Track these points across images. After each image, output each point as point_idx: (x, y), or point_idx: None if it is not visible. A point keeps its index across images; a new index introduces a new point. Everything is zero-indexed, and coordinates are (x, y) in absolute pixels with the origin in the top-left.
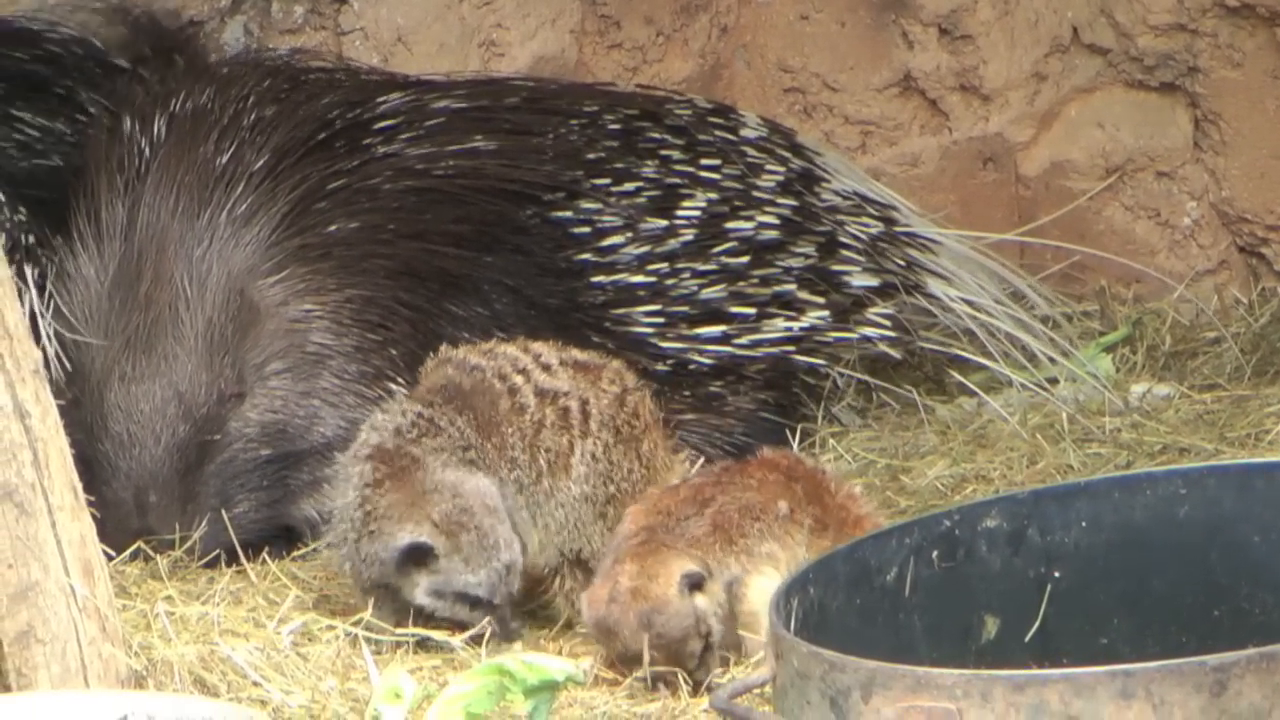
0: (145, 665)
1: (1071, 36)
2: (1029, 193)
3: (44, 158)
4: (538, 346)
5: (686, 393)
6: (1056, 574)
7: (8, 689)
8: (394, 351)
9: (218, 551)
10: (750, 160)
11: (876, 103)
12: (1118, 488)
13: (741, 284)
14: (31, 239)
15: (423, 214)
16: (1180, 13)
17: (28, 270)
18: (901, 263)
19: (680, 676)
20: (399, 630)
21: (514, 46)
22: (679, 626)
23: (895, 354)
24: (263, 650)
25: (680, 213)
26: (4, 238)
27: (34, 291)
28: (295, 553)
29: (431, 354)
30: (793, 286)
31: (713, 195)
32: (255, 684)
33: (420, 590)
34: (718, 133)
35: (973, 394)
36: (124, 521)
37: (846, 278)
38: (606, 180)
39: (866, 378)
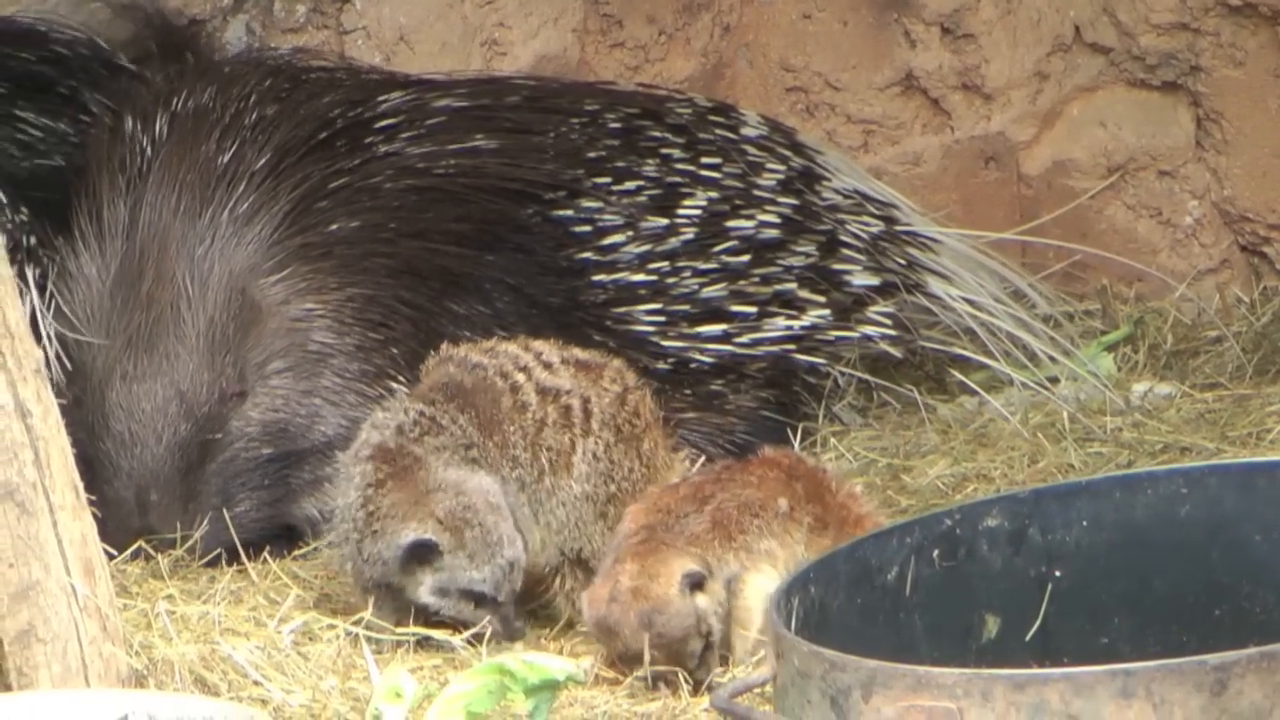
0: (146, 664)
1: (1074, 35)
2: (1031, 192)
3: (46, 158)
4: (539, 345)
5: (687, 391)
6: (1057, 573)
7: (8, 688)
8: (395, 350)
9: (219, 550)
10: (751, 159)
11: (879, 102)
12: (1119, 487)
13: (742, 283)
14: (33, 240)
15: (424, 213)
16: (1182, 12)
17: (29, 271)
18: (902, 261)
19: (680, 676)
20: (400, 629)
21: (516, 45)
22: (680, 626)
23: (896, 353)
24: (263, 649)
25: (681, 211)
26: (5, 238)
27: (35, 292)
28: (296, 552)
29: (433, 352)
30: (793, 285)
31: (713, 194)
32: (256, 683)
33: (425, 589)
34: (718, 131)
35: (974, 393)
36: (125, 520)
37: (847, 276)
38: (607, 179)
39: (867, 377)
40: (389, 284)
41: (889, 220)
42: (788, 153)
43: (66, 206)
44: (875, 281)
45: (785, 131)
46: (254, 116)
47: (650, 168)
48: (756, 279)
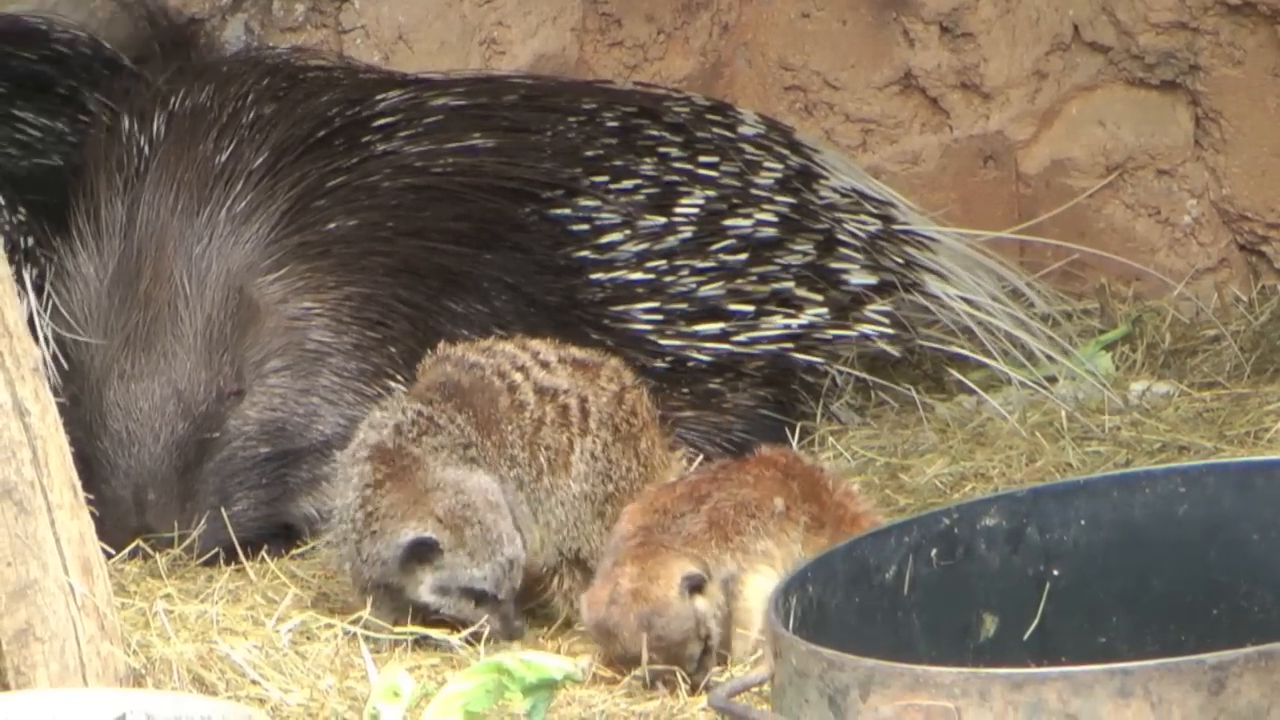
0: (144, 663)
1: (1072, 34)
2: (1029, 191)
3: (44, 158)
4: (536, 344)
5: (685, 390)
6: (1055, 572)
7: (6, 687)
8: (393, 349)
9: (216, 549)
10: (748, 157)
11: (877, 101)
12: (1117, 486)
13: (740, 281)
14: (30, 241)
15: (422, 211)
16: (1181, 11)
17: (25, 273)
18: (900, 260)
19: (679, 674)
20: (398, 629)
21: (515, 44)
22: (679, 629)
23: (894, 352)
24: (261, 648)
25: (679, 210)
26: (2, 239)
27: (32, 294)
28: (294, 551)
29: (429, 352)
30: (791, 284)
31: (711, 192)
32: (254, 682)
33: (425, 587)
34: (716, 130)
35: (972, 392)
36: (123, 519)
37: (845, 275)
38: (605, 178)
39: (865, 375)
40: (387, 282)
41: (887, 219)
42: (785, 151)
43: (64, 206)
44: (873, 280)
45: (783, 130)
46: (252, 115)
47: (648, 166)
48: (754, 277)
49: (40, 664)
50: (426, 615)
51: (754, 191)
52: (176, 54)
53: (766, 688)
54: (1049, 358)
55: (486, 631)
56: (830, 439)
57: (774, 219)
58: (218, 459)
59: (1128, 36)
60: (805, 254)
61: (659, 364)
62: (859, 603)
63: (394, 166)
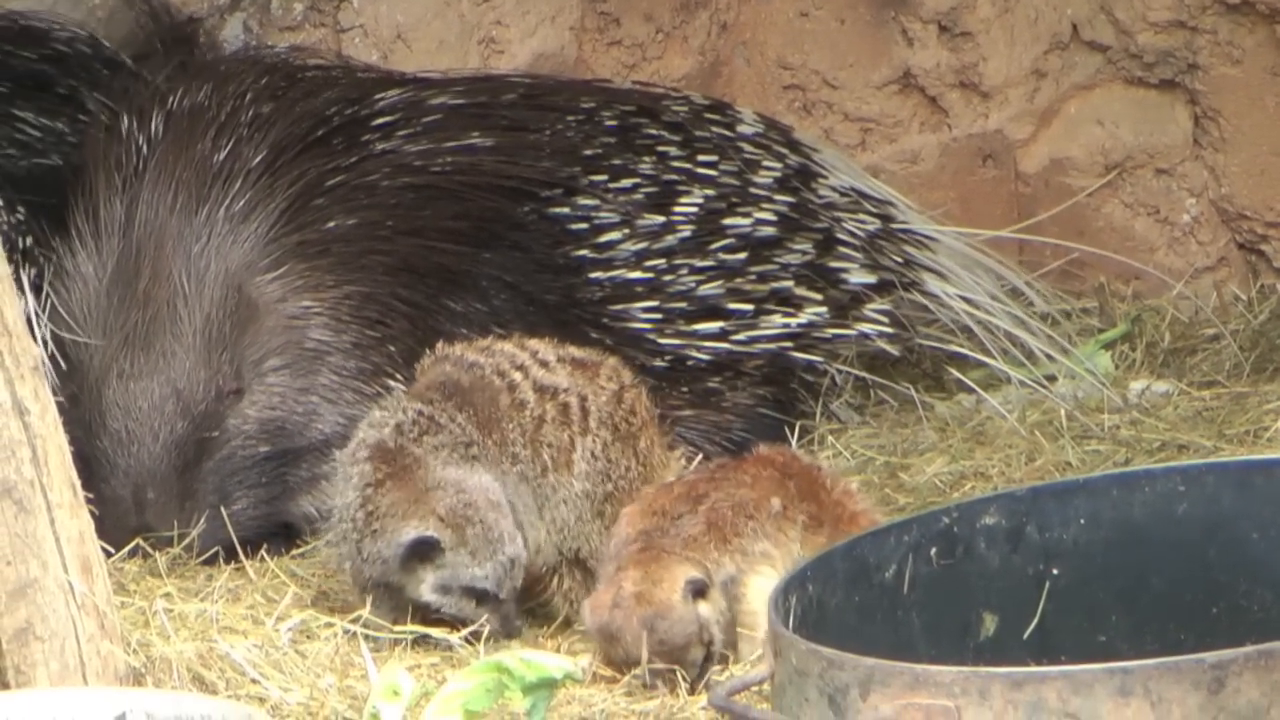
0: (144, 662)
1: (1071, 33)
2: (1028, 190)
3: (44, 157)
4: (534, 343)
5: (684, 389)
6: (1055, 571)
7: (6, 686)
8: (392, 348)
9: (216, 548)
10: (747, 156)
11: (876, 100)
12: (1116, 485)
13: (739, 280)
14: (29, 240)
15: (421, 210)
16: (1180, 10)
17: (24, 274)
18: (899, 259)
19: (679, 674)
20: (397, 627)
21: (514, 44)
22: (682, 633)
23: (893, 351)
24: (261, 647)
25: (678, 209)
26: (1, 239)
27: (30, 294)
28: (294, 550)
29: (427, 351)
30: (790, 283)
31: (710, 191)
32: (254, 681)
33: (426, 586)
34: (714, 129)
35: (971, 391)
36: (122, 518)
37: (844, 274)
38: (604, 176)
39: (865, 374)
40: (386, 281)
41: (886, 218)
42: (784, 150)
43: (63, 206)
44: (872, 279)
45: (782, 129)
46: (250, 114)
47: (647, 165)
48: (753, 276)
49: (40, 663)
50: (426, 614)
51: (753, 190)
52: (177, 51)
53: (766, 687)
54: (1048, 357)
55: (486, 630)
56: (830, 438)
57: (773, 218)
58: (217, 458)
59: (1126, 35)
60: (804, 253)
61: (658, 363)
62: (859, 602)
63: (393, 165)
